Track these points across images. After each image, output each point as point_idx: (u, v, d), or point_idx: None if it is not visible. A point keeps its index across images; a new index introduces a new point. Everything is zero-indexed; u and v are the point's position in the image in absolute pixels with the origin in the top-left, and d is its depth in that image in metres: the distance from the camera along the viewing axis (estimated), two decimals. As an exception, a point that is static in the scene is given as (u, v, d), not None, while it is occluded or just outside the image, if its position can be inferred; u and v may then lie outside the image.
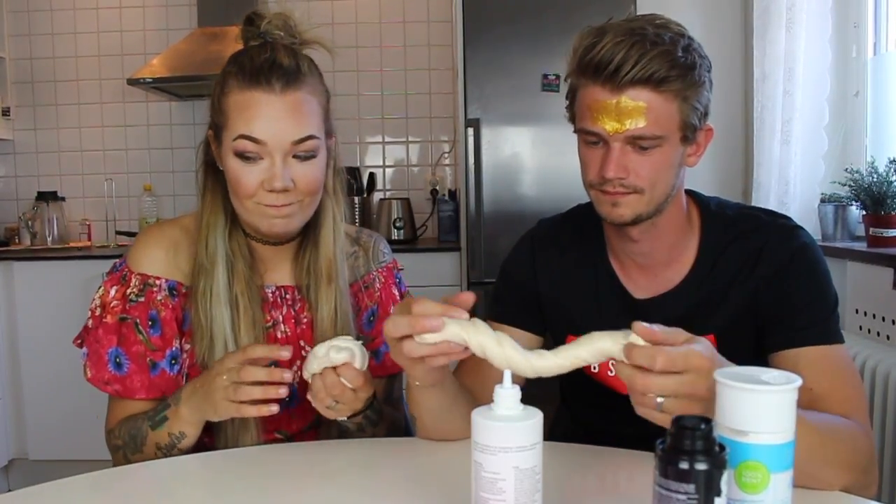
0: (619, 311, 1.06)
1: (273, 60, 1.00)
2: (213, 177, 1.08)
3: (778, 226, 1.02)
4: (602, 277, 1.09)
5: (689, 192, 1.08)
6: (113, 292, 1.07)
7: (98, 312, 1.07)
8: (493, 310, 1.15)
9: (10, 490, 2.76)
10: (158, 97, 3.44)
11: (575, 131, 1.01)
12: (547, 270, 1.12)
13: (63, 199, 3.43)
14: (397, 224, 3.20)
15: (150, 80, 3.06)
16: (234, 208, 1.07)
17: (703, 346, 0.74)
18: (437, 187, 3.45)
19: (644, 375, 0.72)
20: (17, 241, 3.37)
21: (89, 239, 3.41)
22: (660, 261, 1.05)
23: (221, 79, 1.03)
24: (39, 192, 3.39)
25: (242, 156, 1.00)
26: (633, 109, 0.91)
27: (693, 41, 0.96)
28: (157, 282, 1.07)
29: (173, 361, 1.07)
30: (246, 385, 0.91)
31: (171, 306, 1.07)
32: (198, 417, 0.98)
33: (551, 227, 1.17)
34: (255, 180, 1.00)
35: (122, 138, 3.51)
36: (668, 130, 0.94)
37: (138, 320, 1.06)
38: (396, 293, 1.19)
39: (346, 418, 0.99)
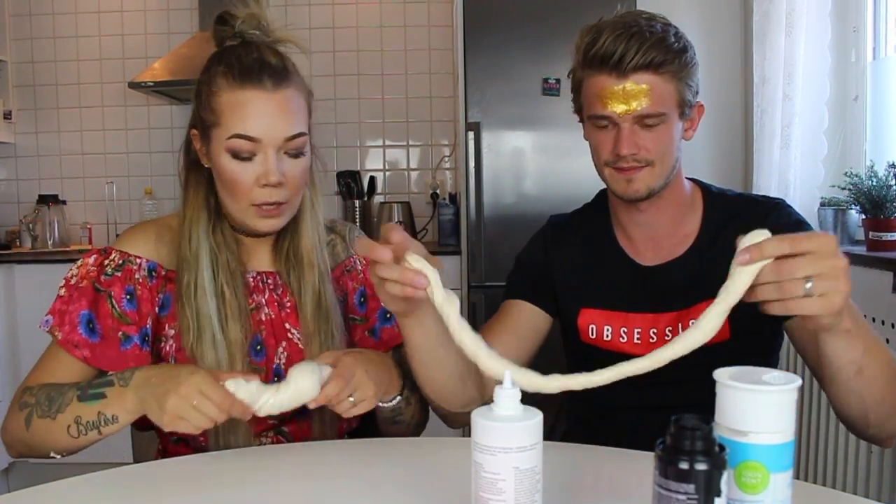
0: (626, 277, 1.16)
1: (262, 59, 1.03)
2: (196, 174, 1.11)
3: (774, 203, 1.13)
4: (609, 251, 1.18)
5: (693, 180, 1.19)
6: (91, 261, 1.08)
7: (73, 281, 1.07)
8: (507, 291, 1.23)
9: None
10: (159, 101, 3.45)
11: (580, 121, 1.14)
12: (558, 253, 1.22)
13: (64, 202, 3.43)
14: (398, 227, 3.20)
15: (151, 83, 3.07)
16: (217, 203, 1.10)
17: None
18: (438, 191, 3.46)
19: (788, 260, 0.73)
20: (18, 244, 3.37)
21: (90, 242, 3.42)
22: (664, 232, 1.15)
23: (208, 79, 1.04)
24: (40, 196, 3.39)
25: (237, 155, 1.02)
26: (638, 92, 1.03)
27: (679, 29, 1.08)
28: (138, 260, 1.08)
29: (145, 338, 1.06)
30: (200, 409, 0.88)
31: (148, 287, 1.07)
32: (140, 409, 0.93)
33: (561, 220, 1.28)
34: (251, 177, 1.02)
35: (123, 142, 3.52)
36: (668, 108, 1.06)
37: (112, 293, 1.05)
38: None
39: (381, 404, 1.02)
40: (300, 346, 1.12)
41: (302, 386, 0.90)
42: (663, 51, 1.02)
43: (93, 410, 0.94)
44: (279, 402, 0.90)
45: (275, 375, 1.10)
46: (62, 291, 1.07)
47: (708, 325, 0.75)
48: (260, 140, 1.01)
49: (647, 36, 1.02)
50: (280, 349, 1.11)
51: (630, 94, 1.03)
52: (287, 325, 1.12)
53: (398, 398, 1.04)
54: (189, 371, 0.91)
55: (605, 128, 1.08)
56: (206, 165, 1.08)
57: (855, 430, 0.94)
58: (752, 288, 0.74)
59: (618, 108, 1.04)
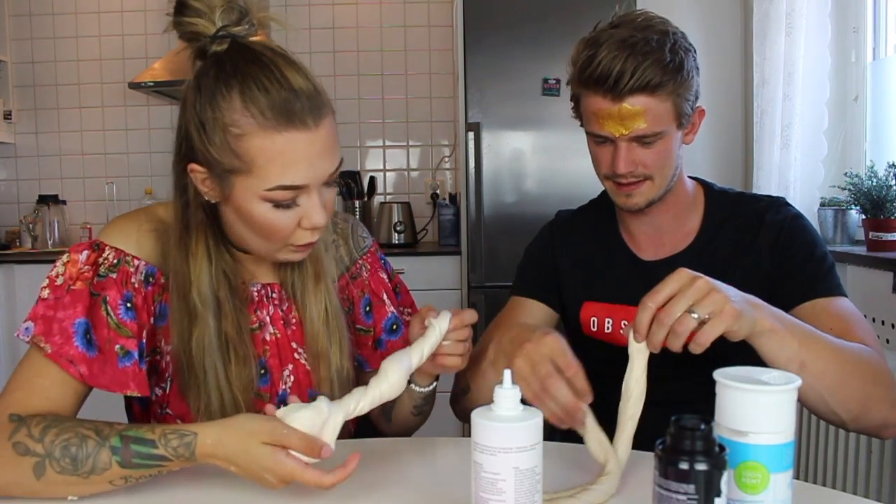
0: (628, 272, 1.19)
1: (292, 88, 0.86)
2: (197, 212, 0.95)
3: (773, 200, 1.16)
4: (613, 246, 1.22)
5: (695, 179, 1.21)
6: (83, 257, 0.92)
7: (60, 282, 0.90)
8: (515, 285, 1.27)
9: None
10: (160, 101, 3.45)
11: (581, 125, 1.13)
12: (564, 248, 1.26)
13: (64, 202, 3.44)
14: (398, 228, 3.21)
15: (151, 83, 3.07)
16: (216, 234, 0.97)
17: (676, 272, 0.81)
18: (438, 191, 3.46)
19: (662, 309, 0.78)
20: (18, 244, 3.38)
21: (90, 242, 3.42)
22: (666, 230, 1.18)
23: (221, 116, 0.86)
24: (41, 196, 3.40)
25: (279, 204, 0.88)
26: (634, 114, 1.03)
27: (677, 36, 1.06)
28: (136, 262, 0.94)
29: (142, 354, 0.93)
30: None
31: (143, 293, 0.94)
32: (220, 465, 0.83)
33: (568, 215, 1.31)
34: (292, 223, 0.91)
35: (123, 142, 3.52)
36: (666, 126, 1.06)
37: (108, 297, 0.90)
38: (384, 276, 1.16)
39: (419, 389, 1.02)
40: (308, 367, 1.04)
41: (393, 381, 0.83)
42: (660, 72, 1.01)
43: (149, 473, 0.83)
44: (369, 401, 0.83)
45: (279, 402, 1.00)
46: (45, 293, 0.90)
47: (621, 445, 0.82)
48: (306, 186, 0.88)
49: (642, 57, 1.01)
50: (286, 372, 1.03)
51: (626, 116, 1.03)
52: (293, 345, 1.04)
53: (434, 384, 1.03)
54: (259, 466, 0.79)
55: (603, 143, 1.09)
56: (214, 202, 0.94)
57: (839, 426, 0.95)
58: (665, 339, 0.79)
59: (613, 129, 1.04)
